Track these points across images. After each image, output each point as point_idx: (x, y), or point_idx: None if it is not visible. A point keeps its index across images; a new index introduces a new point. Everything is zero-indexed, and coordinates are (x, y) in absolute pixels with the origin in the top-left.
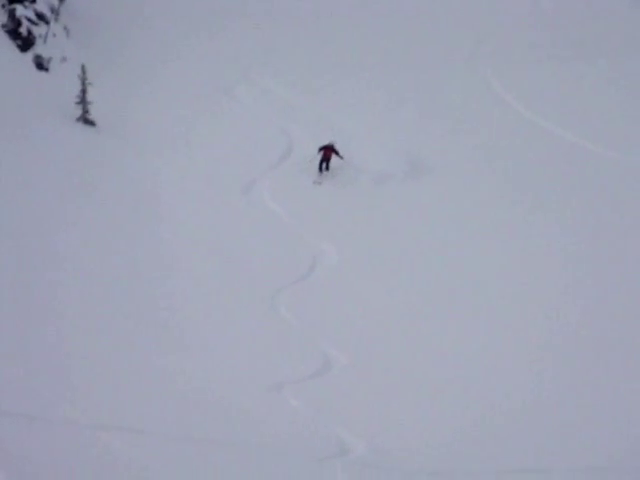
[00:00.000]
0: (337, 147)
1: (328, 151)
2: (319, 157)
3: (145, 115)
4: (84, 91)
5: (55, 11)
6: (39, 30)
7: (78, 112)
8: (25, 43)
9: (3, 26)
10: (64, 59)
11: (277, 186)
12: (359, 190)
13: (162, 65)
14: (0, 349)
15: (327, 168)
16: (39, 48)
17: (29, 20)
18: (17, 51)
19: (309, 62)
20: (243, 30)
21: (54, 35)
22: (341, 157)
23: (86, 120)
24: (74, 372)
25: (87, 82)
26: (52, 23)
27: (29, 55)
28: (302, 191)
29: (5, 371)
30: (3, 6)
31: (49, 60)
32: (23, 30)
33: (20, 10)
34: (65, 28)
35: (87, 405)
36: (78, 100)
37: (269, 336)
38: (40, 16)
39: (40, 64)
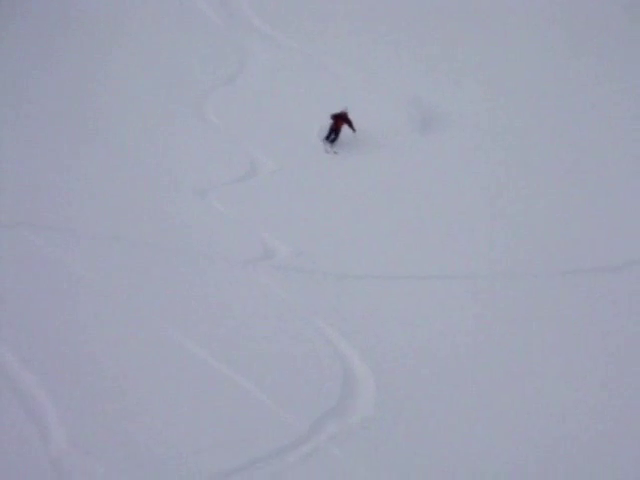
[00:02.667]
0: (350, 116)
1: (340, 121)
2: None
3: None
4: None
5: None
6: None
7: None
8: None
9: None
10: None
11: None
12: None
13: None
14: None
15: (334, 140)
16: None
17: None
18: None
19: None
20: None
21: None
22: (354, 129)
23: None
24: None
25: None
26: None
27: None
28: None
29: None
30: None
31: None
32: None
33: None
34: None
35: (7, 203)
36: None
37: (196, 141)
38: None
39: None
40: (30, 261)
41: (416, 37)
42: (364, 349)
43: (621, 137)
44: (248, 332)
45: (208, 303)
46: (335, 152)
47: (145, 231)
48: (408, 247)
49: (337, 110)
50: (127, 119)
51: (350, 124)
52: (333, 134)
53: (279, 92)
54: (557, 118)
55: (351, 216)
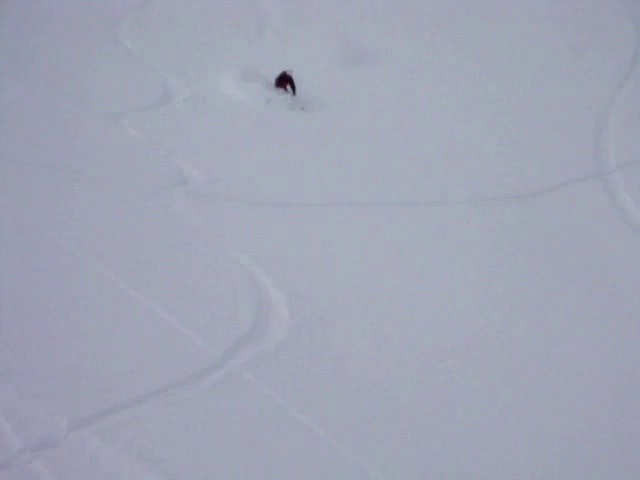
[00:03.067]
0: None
1: (284, 82)
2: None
3: None
4: None
5: None
6: None
7: None
8: None
9: None
10: None
11: None
12: None
13: None
14: None
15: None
16: None
17: None
18: None
19: None
20: None
21: None
22: (294, 92)
23: None
24: None
25: None
26: None
27: None
28: None
29: None
30: None
31: None
32: None
33: None
34: None
35: None
36: None
37: (110, 66)
38: None
39: None
40: None
41: None
42: (279, 276)
43: (552, 66)
44: (162, 259)
45: (121, 231)
46: (302, 107)
47: (55, 156)
48: (328, 175)
49: (279, 72)
50: (37, 45)
51: (292, 85)
52: (281, 87)
53: (195, 18)
54: (484, 48)
55: (268, 143)
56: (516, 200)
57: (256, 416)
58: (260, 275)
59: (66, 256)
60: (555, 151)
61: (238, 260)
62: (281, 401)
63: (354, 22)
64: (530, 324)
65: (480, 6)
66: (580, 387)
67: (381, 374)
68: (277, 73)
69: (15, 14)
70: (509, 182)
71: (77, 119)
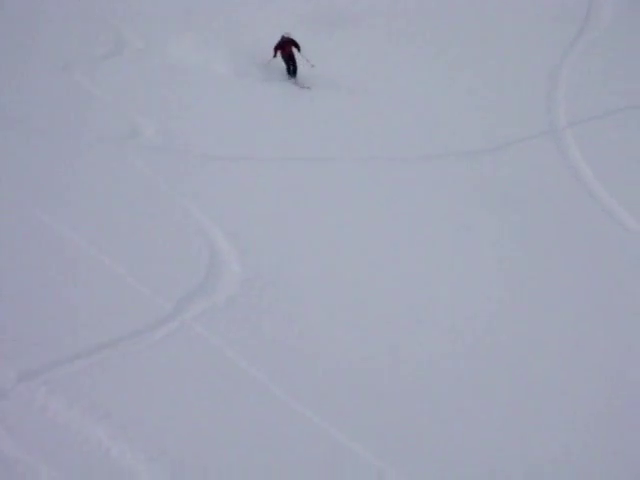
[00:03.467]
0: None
1: (288, 46)
2: (279, 57)
3: None
4: None
5: None
6: None
7: None
8: None
9: None
10: None
11: None
12: None
13: None
14: None
15: (295, 71)
16: None
17: None
18: None
19: None
20: None
21: None
22: (299, 49)
23: None
24: None
25: None
26: None
27: None
28: None
29: None
30: None
31: None
32: None
33: None
34: None
35: None
36: None
37: (62, 17)
38: None
39: None
40: None
41: None
42: (230, 229)
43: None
44: (114, 212)
45: (75, 183)
46: (307, 87)
47: (8, 108)
48: (284, 131)
49: (277, 39)
50: None
51: (297, 46)
52: (290, 64)
53: None
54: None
55: (220, 97)
56: (470, 156)
57: (207, 368)
58: (212, 229)
59: (15, 210)
60: (510, 111)
61: (190, 213)
62: (232, 354)
63: None
64: (481, 274)
65: None
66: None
67: (332, 328)
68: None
69: None
70: (464, 140)
71: (25, 69)
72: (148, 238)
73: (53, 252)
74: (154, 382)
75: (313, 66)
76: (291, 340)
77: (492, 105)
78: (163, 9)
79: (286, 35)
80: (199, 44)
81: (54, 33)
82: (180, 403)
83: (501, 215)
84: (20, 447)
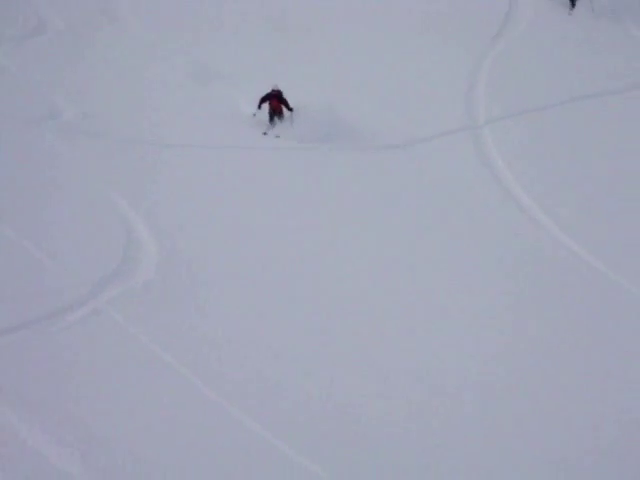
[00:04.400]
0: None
1: (275, 101)
2: (266, 109)
3: None
4: None
5: None
6: None
7: None
8: None
9: None
10: None
11: None
12: None
13: None
14: None
15: (279, 118)
16: None
17: None
18: None
19: None
20: None
21: None
22: (290, 109)
23: None
24: None
25: None
26: None
27: None
28: None
29: None
30: None
31: None
32: None
33: None
34: None
35: None
36: None
37: None
38: None
39: None
40: None
41: None
42: (149, 214)
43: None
44: (29, 194)
45: None
46: (278, 136)
47: None
48: (202, 118)
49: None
50: None
51: (286, 103)
52: (275, 116)
53: None
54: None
55: (142, 80)
56: (391, 150)
57: (120, 353)
58: (130, 212)
59: None
60: (431, 108)
61: (108, 197)
62: (146, 340)
63: None
64: (395, 262)
65: None
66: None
67: (248, 313)
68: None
69: None
70: (385, 134)
71: None
72: (65, 220)
73: None
74: (67, 365)
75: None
76: (206, 327)
77: (410, 103)
78: None
79: (275, 88)
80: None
81: None
82: (92, 387)
83: (416, 202)
84: None
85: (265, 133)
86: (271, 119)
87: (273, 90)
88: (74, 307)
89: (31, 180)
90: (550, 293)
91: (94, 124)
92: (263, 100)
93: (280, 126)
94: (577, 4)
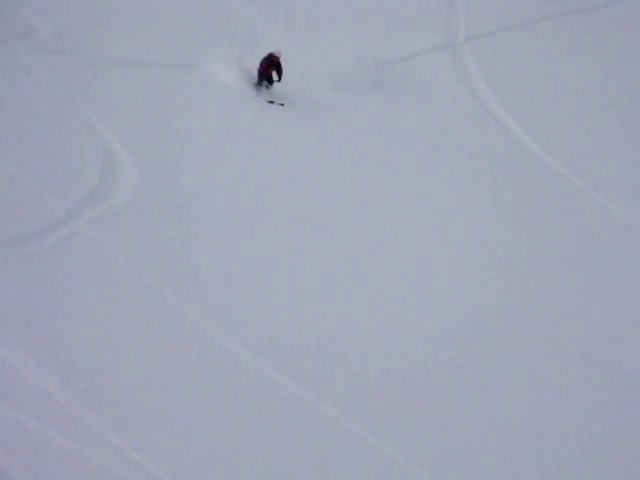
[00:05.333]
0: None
1: (270, 67)
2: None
3: None
4: None
5: None
6: None
7: None
8: None
9: None
10: None
11: None
12: None
13: None
14: None
15: (268, 84)
16: None
17: None
18: None
19: None
20: None
21: None
22: (279, 77)
23: None
24: None
25: None
26: None
27: None
28: None
29: None
30: None
31: None
32: None
33: None
34: None
35: None
36: None
37: None
38: None
39: None
40: None
41: None
42: (128, 136)
43: None
44: (5, 115)
45: None
46: (271, 102)
47: None
48: (186, 37)
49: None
50: None
51: (279, 71)
52: (263, 79)
53: None
54: None
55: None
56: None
57: (100, 274)
58: (108, 134)
59: None
60: (411, 27)
61: (86, 118)
62: (126, 261)
63: None
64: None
65: None
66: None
67: (231, 234)
68: None
69: None
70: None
71: None
72: (41, 141)
73: None
74: (46, 286)
75: (282, 105)
76: (188, 249)
77: (390, 22)
78: None
79: (278, 54)
80: None
81: None
82: (72, 308)
83: (397, 118)
84: None
85: (256, 95)
86: (259, 82)
87: (274, 56)
88: (52, 228)
89: (4, 98)
90: (526, 201)
91: (70, 43)
92: (264, 66)
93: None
94: None
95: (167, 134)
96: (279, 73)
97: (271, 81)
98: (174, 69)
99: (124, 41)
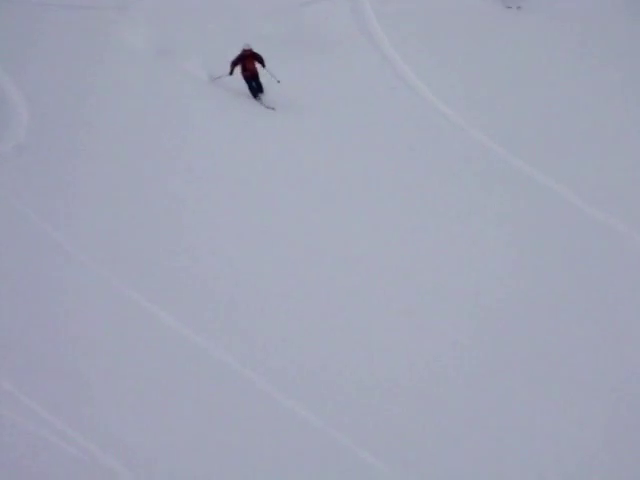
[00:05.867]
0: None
1: (250, 62)
2: (239, 73)
3: None
4: None
5: None
6: None
7: None
8: None
9: None
10: None
11: None
12: None
13: None
14: None
15: (260, 88)
16: None
17: None
18: None
19: None
20: None
21: None
22: (264, 65)
23: None
24: None
25: None
26: None
27: None
28: None
29: None
30: None
31: None
32: None
33: None
34: None
35: None
36: None
37: None
38: None
39: None
40: None
41: None
42: (19, 76)
43: None
44: None
45: None
46: (272, 108)
47: None
48: None
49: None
50: None
51: (261, 60)
52: (253, 83)
53: None
54: None
55: None
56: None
57: None
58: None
59: None
60: None
61: None
62: (18, 203)
63: None
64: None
65: None
66: None
67: (127, 173)
68: None
69: None
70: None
71: None
72: None
73: None
74: None
75: (279, 82)
76: (82, 188)
77: None
78: None
79: (247, 48)
80: None
81: None
82: None
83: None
84: None
85: (270, 107)
86: (251, 90)
87: (245, 50)
88: None
89: None
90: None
91: None
92: (235, 63)
93: (266, 97)
94: None
95: (61, 73)
96: (261, 61)
97: (260, 87)
98: (98, 10)
99: None
